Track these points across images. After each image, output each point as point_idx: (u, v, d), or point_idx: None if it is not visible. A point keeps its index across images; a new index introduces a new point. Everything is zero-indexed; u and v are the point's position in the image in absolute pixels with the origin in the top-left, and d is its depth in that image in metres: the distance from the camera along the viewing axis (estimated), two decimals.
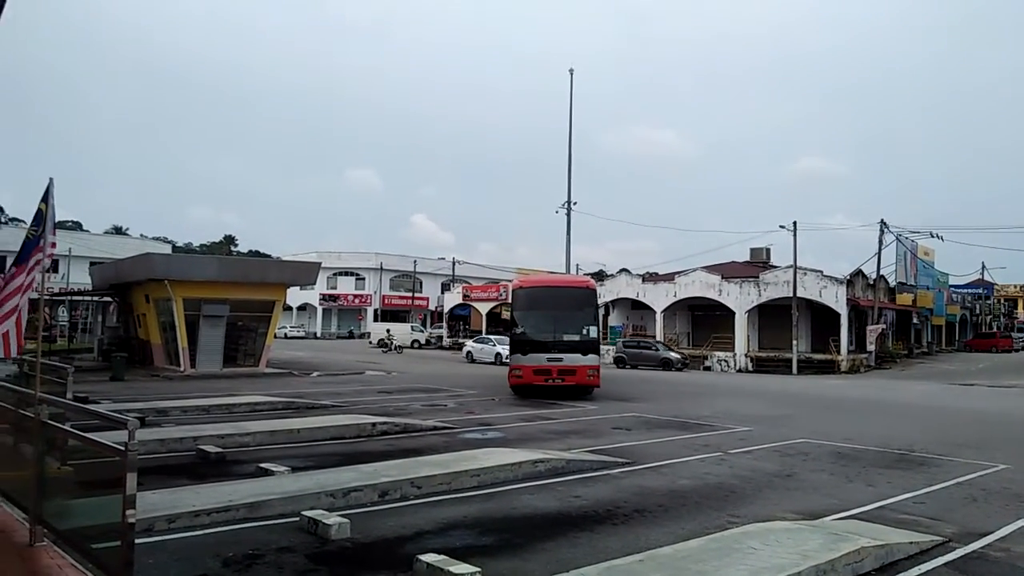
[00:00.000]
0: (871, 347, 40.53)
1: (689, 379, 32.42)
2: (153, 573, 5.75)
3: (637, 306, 47.40)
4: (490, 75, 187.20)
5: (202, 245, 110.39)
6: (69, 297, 46.14)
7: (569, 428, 15.39)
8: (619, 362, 39.23)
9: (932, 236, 47.05)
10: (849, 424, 16.86)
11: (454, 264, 74.13)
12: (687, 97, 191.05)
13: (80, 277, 49.57)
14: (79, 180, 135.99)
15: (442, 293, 74.17)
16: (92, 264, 44.58)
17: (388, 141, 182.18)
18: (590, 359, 21.70)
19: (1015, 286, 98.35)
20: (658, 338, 44.12)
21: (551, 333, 21.73)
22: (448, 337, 61.77)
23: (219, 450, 11.11)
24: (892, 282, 47.82)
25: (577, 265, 56.36)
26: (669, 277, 46.20)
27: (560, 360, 21.39)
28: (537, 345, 21.58)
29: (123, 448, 4.33)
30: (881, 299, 44.39)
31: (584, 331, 21.87)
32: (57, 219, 9.43)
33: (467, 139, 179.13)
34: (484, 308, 57.94)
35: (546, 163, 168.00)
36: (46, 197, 9.24)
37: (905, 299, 48.79)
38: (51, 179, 9.26)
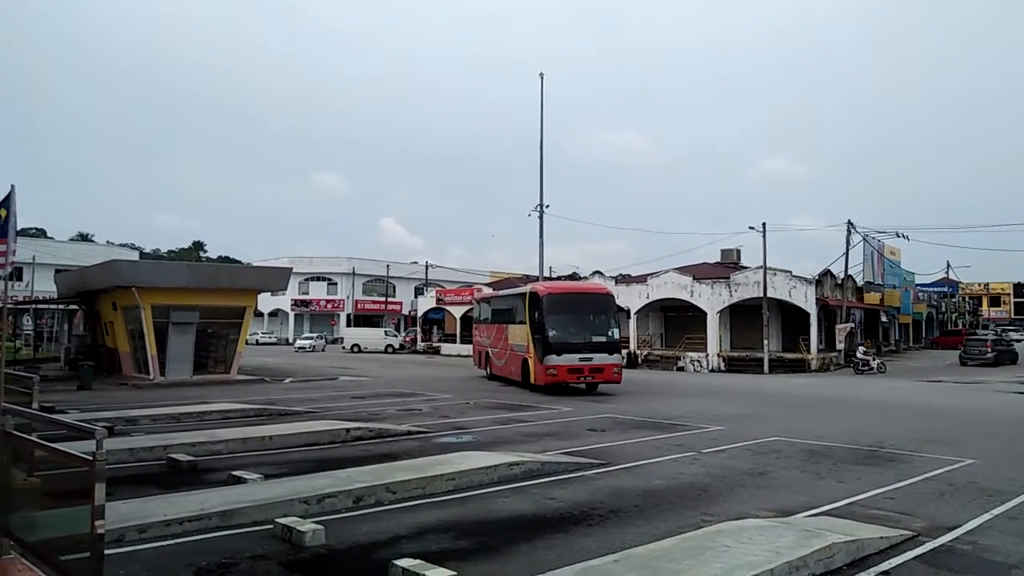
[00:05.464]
0: (840, 345, 41.02)
1: (662, 379, 32.60)
2: None
3: None
4: (460, 80, 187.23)
5: (170, 251, 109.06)
6: (34, 305, 45.27)
7: (544, 430, 15.41)
8: (997, 361, 40.37)
9: (898, 236, 47.82)
10: (820, 422, 17.07)
11: (427, 268, 73.87)
12: (658, 103, 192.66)
13: (45, 285, 48.65)
14: (43, 187, 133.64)
15: (415, 297, 73.82)
16: (57, 272, 43.76)
17: (354, 146, 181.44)
18: (615, 358, 24.07)
19: (979, 284, 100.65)
20: (631, 340, 44.33)
21: (582, 335, 23.76)
22: (422, 341, 61.53)
23: (190, 458, 10.96)
24: (860, 281, 48.45)
25: (550, 267, 56.32)
26: (641, 279, 46.32)
27: (591, 360, 23.47)
28: (571, 347, 23.40)
29: (91, 458, 4.27)
30: (849, 298, 44.98)
31: (609, 333, 24.09)
32: (20, 226, 9.28)
33: (436, 144, 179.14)
34: (458, 312, 57.60)
35: (517, 167, 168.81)
36: (6, 203, 9.10)
37: (873, 298, 49.51)
38: (12, 186, 9.13)
